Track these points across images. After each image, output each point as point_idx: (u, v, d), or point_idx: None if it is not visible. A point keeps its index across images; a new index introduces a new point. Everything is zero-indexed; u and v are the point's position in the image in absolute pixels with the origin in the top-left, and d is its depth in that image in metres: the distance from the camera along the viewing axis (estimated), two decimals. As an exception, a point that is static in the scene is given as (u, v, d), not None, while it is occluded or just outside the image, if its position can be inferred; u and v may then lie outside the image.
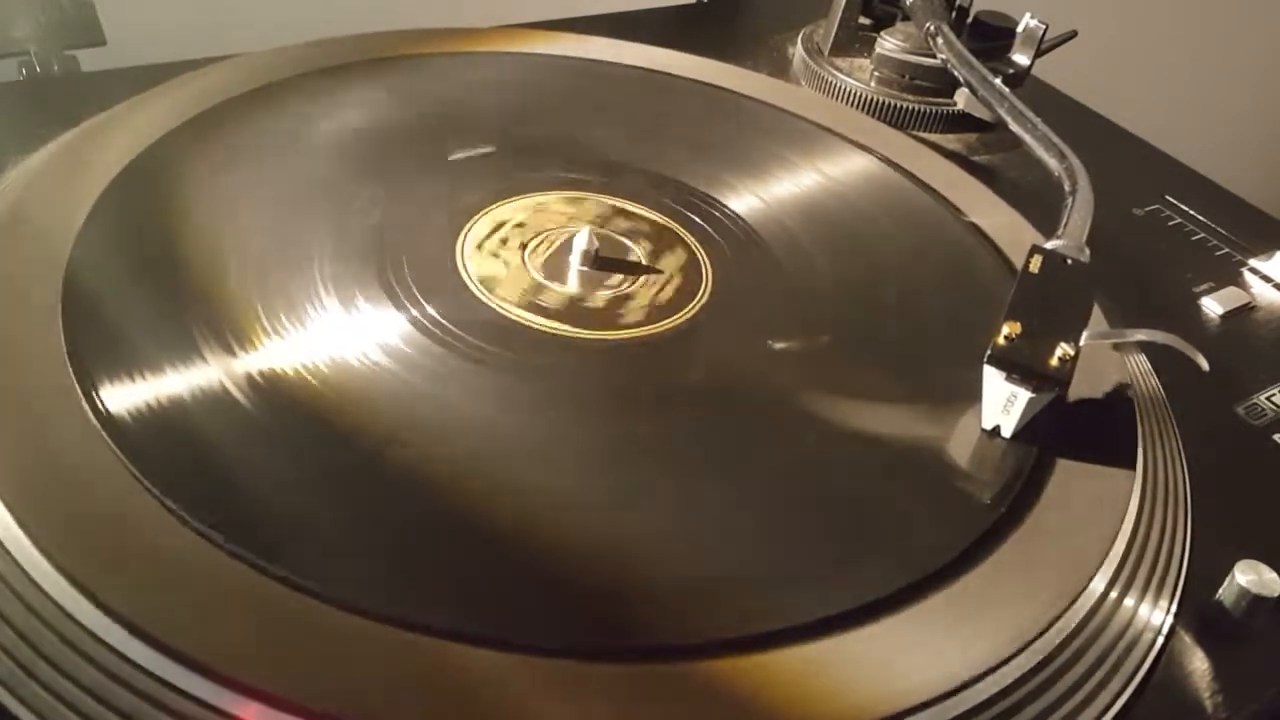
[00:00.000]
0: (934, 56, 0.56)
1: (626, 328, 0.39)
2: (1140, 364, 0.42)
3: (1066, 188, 0.45)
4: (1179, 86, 1.24)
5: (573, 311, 0.39)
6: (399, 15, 0.59)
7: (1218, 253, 0.53)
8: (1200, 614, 0.34)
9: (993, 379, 0.36)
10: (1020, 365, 0.35)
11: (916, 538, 0.32)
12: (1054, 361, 0.35)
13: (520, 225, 0.43)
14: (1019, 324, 0.36)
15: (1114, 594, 0.32)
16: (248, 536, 0.28)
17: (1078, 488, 0.35)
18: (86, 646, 0.26)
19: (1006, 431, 0.36)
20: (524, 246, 0.42)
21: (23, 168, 0.41)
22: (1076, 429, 0.37)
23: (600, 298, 0.40)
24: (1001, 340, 0.35)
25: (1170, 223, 0.55)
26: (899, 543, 0.32)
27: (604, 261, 0.41)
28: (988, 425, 0.36)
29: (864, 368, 0.40)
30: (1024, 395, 0.35)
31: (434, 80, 0.52)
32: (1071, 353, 0.35)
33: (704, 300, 0.41)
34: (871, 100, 0.58)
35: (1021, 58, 0.59)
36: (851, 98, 0.59)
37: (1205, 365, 0.36)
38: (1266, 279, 0.51)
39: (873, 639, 0.29)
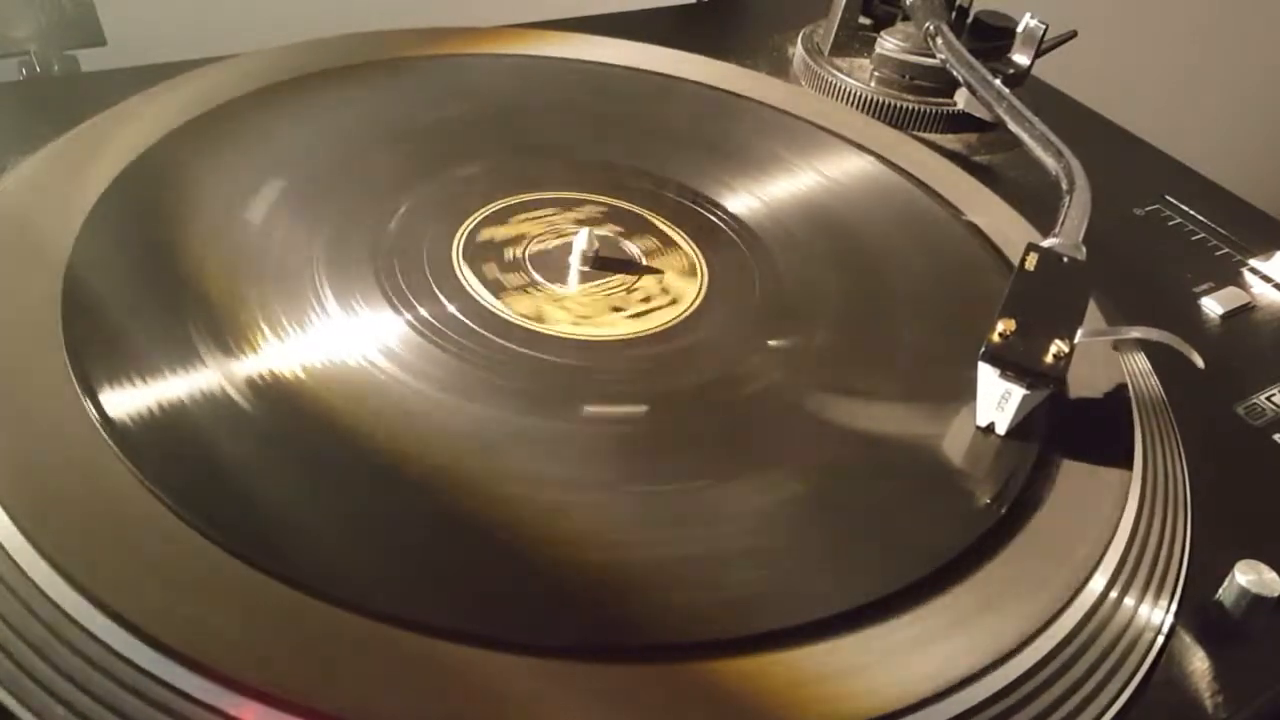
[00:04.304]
0: (934, 56, 0.56)
1: (625, 328, 0.39)
2: (1140, 364, 0.42)
3: (1064, 187, 0.45)
4: (1179, 86, 1.24)
5: (571, 312, 0.39)
6: (400, 15, 0.59)
7: (1218, 253, 0.53)
8: (1200, 614, 0.34)
9: (987, 376, 0.36)
10: (1014, 362, 0.35)
11: (916, 538, 0.32)
12: (1048, 359, 0.35)
13: (520, 226, 0.43)
14: (1014, 321, 0.36)
15: (1114, 594, 0.32)
16: (248, 536, 0.28)
17: (1077, 487, 0.35)
18: (86, 647, 0.26)
19: (1001, 429, 0.36)
20: (523, 247, 0.42)
21: (23, 168, 0.41)
22: (1076, 429, 0.37)
23: (599, 298, 0.40)
24: (996, 337, 0.35)
25: (1170, 223, 0.55)
26: (899, 542, 0.32)
27: (603, 262, 0.41)
28: (982, 422, 0.36)
29: (863, 367, 0.40)
30: (1018, 392, 0.35)
31: (434, 80, 0.52)
32: (1066, 350, 0.35)
33: (702, 300, 0.41)
34: (871, 100, 0.58)
35: (1021, 58, 0.59)
36: (851, 98, 0.59)
37: (1200, 363, 0.36)
38: (1266, 279, 0.51)
39: (872, 639, 0.29)
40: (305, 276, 0.38)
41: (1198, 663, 0.32)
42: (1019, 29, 0.59)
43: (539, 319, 0.38)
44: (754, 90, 0.56)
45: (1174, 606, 0.33)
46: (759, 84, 0.57)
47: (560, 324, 0.38)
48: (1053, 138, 0.48)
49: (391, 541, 0.30)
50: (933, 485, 0.35)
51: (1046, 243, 0.40)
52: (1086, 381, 0.39)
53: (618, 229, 0.44)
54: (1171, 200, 0.57)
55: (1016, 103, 0.51)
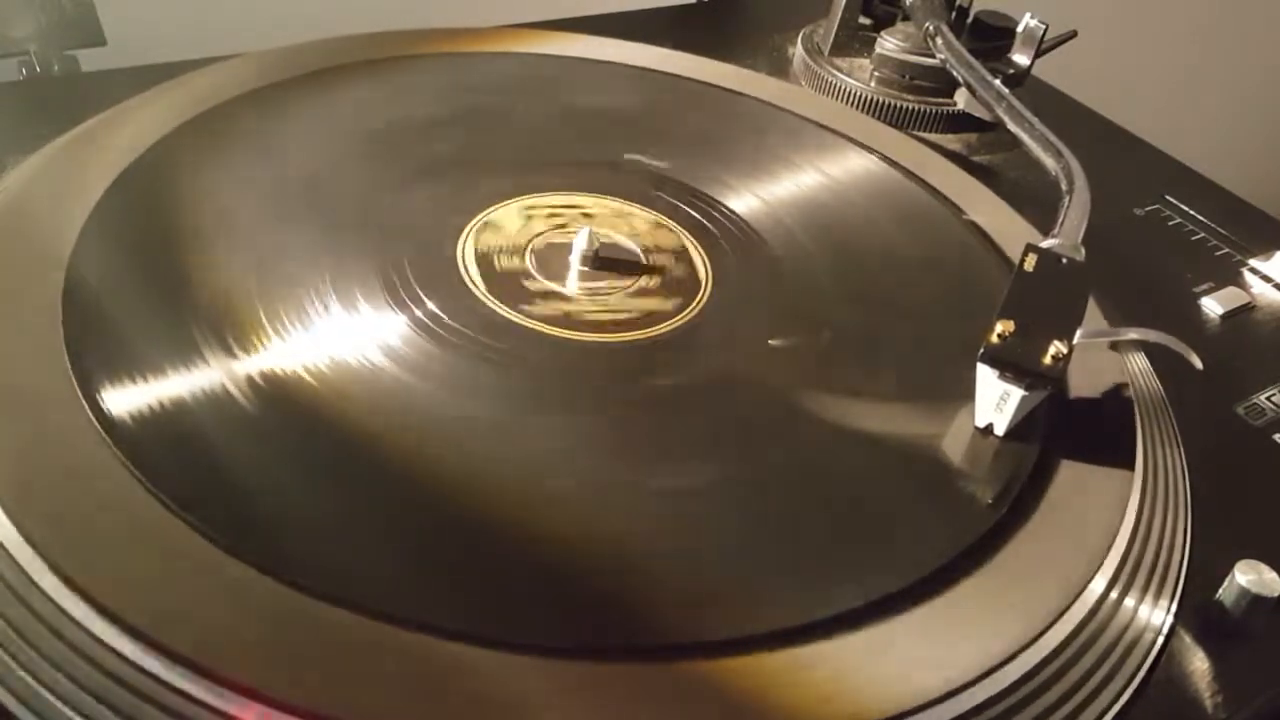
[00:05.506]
0: (934, 56, 0.56)
1: (627, 328, 0.39)
2: (1140, 364, 0.42)
3: (1063, 187, 0.45)
4: (1179, 86, 1.24)
5: (573, 312, 0.39)
6: (400, 15, 0.59)
7: (1218, 253, 0.53)
8: (1200, 614, 0.34)
9: (986, 377, 0.36)
10: (1013, 363, 0.35)
11: (916, 537, 0.32)
12: (1047, 360, 0.35)
13: (520, 226, 0.43)
14: (1012, 322, 0.36)
15: (1114, 594, 0.32)
16: (248, 536, 0.28)
17: (1078, 488, 0.35)
18: (85, 647, 0.26)
19: (999, 429, 0.36)
20: (524, 247, 0.42)
21: (23, 168, 0.41)
22: (1076, 429, 0.37)
23: (600, 298, 0.40)
24: (994, 338, 0.35)
25: (1170, 223, 0.55)
26: (899, 542, 0.32)
27: (604, 262, 0.41)
28: (981, 423, 0.36)
29: (863, 367, 0.40)
30: (1016, 393, 0.35)
31: (434, 80, 0.52)
32: (1065, 351, 0.35)
33: (704, 299, 0.41)
34: (871, 100, 0.58)
35: (1021, 58, 0.59)
36: (851, 98, 0.59)
37: (1199, 364, 0.36)
38: (1266, 279, 0.51)
39: (872, 639, 0.29)
40: (307, 275, 0.38)
41: (1198, 663, 0.32)
42: (1019, 29, 0.59)
43: (540, 319, 0.38)
44: (754, 90, 0.56)
45: (1174, 606, 0.33)
46: (759, 84, 0.57)
47: (562, 324, 0.38)
48: (1052, 138, 0.48)
49: (392, 541, 0.30)
50: (932, 486, 0.35)
51: (1045, 243, 0.40)
52: (1087, 382, 0.39)
53: (619, 228, 0.44)
54: (1171, 200, 0.57)
55: (1016, 103, 0.51)
